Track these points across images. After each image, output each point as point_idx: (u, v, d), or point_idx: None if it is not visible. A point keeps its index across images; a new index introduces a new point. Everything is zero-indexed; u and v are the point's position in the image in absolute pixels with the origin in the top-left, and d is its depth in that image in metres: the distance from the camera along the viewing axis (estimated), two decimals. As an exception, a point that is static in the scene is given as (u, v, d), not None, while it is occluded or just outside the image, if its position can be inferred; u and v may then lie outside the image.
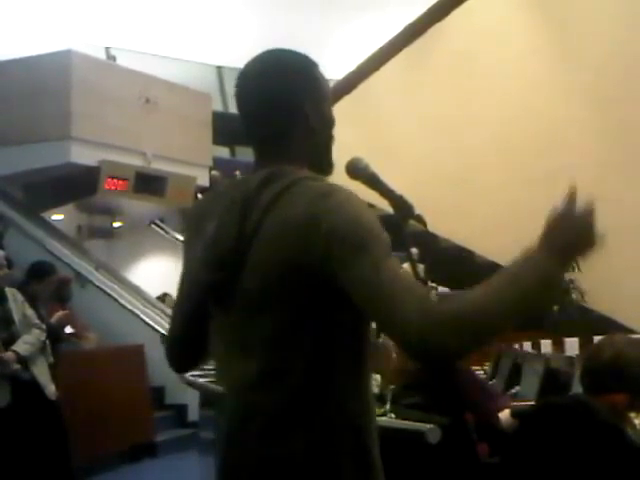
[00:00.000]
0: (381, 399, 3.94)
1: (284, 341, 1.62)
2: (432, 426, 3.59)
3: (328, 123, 1.81)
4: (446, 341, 1.45)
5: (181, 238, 9.89)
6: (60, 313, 6.56)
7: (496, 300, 1.47)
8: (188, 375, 5.26)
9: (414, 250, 1.98)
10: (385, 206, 1.91)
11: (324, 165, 1.80)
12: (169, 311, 9.37)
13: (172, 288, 8.45)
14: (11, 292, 5.63)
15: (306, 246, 1.57)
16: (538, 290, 1.49)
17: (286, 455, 1.62)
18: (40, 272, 6.47)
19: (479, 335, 1.48)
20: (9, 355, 5.37)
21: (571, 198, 1.63)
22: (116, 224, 11.82)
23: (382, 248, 1.56)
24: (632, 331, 8.82)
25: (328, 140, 1.82)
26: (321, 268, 1.56)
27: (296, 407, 1.62)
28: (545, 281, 1.49)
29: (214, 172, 12.09)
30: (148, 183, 10.47)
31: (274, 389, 1.63)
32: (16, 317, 5.53)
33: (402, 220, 1.85)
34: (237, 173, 11.45)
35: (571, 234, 1.54)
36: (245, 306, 1.65)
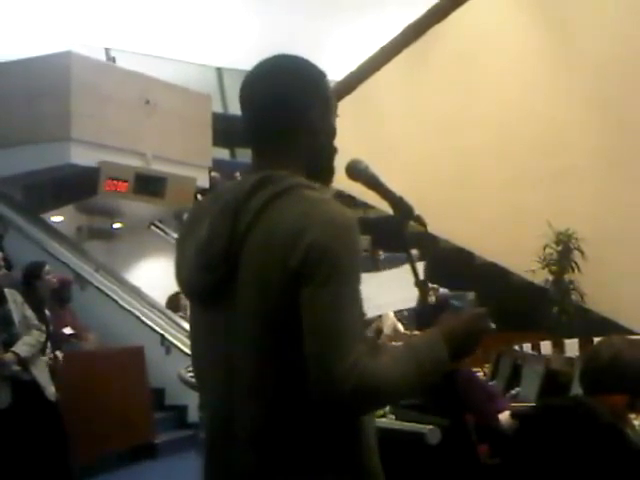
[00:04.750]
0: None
1: (269, 351, 1.62)
2: (432, 427, 3.60)
3: (331, 133, 1.81)
4: (352, 410, 1.58)
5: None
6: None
7: (399, 386, 1.60)
8: (188, 376, 5.26)
9: (414, 251, 1.99)
10: (385, 207, 1.92)
11: (324, 174, 1.80)
12: (170, 313, 9.37)
13: (172, 289, 8.40)
14: (10, 293, 5.63)
15: (287, 256, 1.57)
16: (432, 375, 1.65)
17: (273, 470, 1.61)
18: (35, 270, 6.52)
19: (379, 406, 1.96)
20: (9, 356, 5.37)
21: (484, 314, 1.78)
22: (116, 225, 11.81)
23: (353, 285, 1.59)
24: (631, 332, 8.82)
25: (330, 150, 1.81)
26: (295, 279, 1.56)
27: (283, 420, 1.61)
28: (440, 367, 1.65)
29: (214, 173, 12.09)
30: (148, 184, 10.47)
31: (259, 400, 1.62)
32: (16, 318, 5.54)
33: (402, 221, 1.85)
34: (237, 174, 11.46)
35: (469, 340, 1.71)
36: (233, 310, 1.65)
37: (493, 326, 1.80)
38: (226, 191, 1.73)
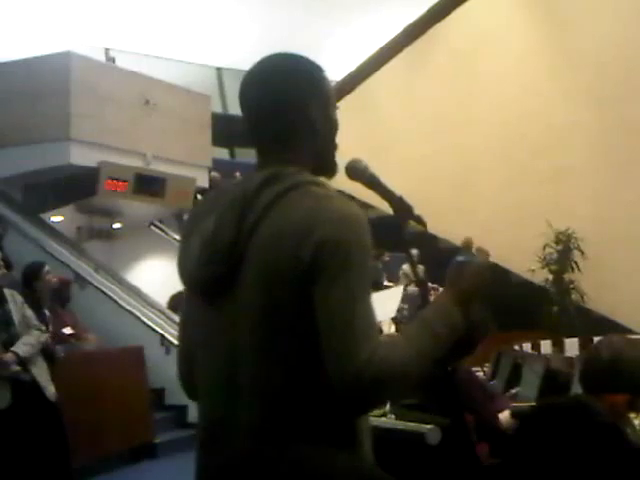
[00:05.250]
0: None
1: (271, 346, 1.63)
2: (432, 427, 3.59)
3: (332, 127, 1.81)
4: (376, 398, 1.61)
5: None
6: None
7: (418, 363, 1.60)
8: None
9: (414, 251, 2.00)
10: (385, 207, 1.92)
11: (327, 171, 1.80)
12: (169, 313, 9.36)
13: (172, 289, 8.36)
14: (10, 293, 5.62)
15: (297, 251, 1.58)
16: (448, 342, 1.65)
17: (272, 456, 1.62)
18: (35, 270, 6.52)
19: (399, 394, 1.88)
20: (9, 356, 5.37)
21: (482, 255, 1.72)
22: (116, 225, 11.82)
23: (364, 278, 1.60)
24: (631, 331, 8.83)
25: (332, 146, 1.82)
26: (306, 274, 1.58)
27: (285, 414, 1.63)
28: (455, 331, 1.66)
29: (213, 173, 12.09)
30: (147, 184, 10.47)
31: (261, 395, 1.64)
32: (15, 318, 5.53)
33: (402, 221, 1.85)
34: (237, 174, 11.45)
35: (474, 287, 1.73)
36: (236, 305, 1.66)
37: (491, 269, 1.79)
38: (233, 187, 1.74)
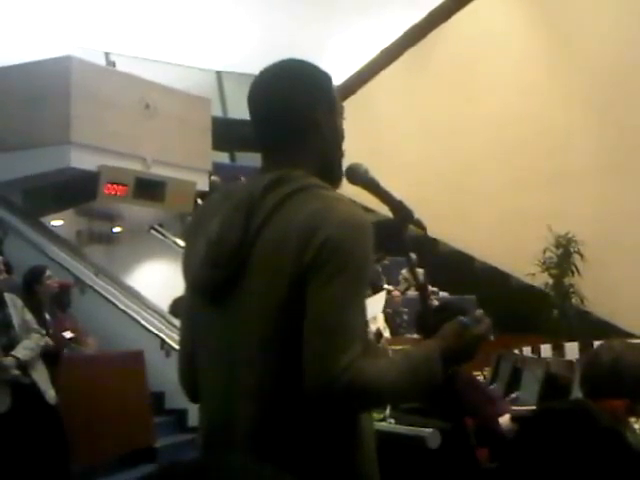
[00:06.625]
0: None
1: (273, 350, 1.63)
2: (432, 431, 3.59)
3: (339, 136, 1.82)
4: (344, 406, 1.60)
5: (181, 243, 9.85)
6: None
7: (393, 389, 1.62)
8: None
9: (413, 255, 1.99)
10: (385, 211, 1.92)
11: (333, 177, 1.80)
12: (170, 316, 9.36)
13: (172, 293, 8.30)
14: (10, 297, 5.63)
15: (300, 255, 1.58)
16: (425, 387, 1.67)
17: (272, 461, 1.62)
18: (36, 274, 6.53)
19: (370, 407, 1.78)
20: (9, 360, 5.37)
21: (484, 322, 1.80)
22: (116, 229, 11.81)
23: (360, 282, 1.61)
24: (631, 335, 8.82)
25: (339, 153, 1.83)
26: (306, 275, 1.58)
27: (283, 420, 1.63)
28: (433, 381, 1.67)
29: (214, 177, 12.09)
30: (148, 188, 10.46)
31: (260, 400, 1.64)
32: (16, 322, 5.53)
33: (402, 225, 1.85)
34: (241, 178, 11.46)
35: (464, 358, 1.75)
36: (240, 307, 1.66)
37: (491, 338, 1.82)
38: (239, 189, 1.75)
